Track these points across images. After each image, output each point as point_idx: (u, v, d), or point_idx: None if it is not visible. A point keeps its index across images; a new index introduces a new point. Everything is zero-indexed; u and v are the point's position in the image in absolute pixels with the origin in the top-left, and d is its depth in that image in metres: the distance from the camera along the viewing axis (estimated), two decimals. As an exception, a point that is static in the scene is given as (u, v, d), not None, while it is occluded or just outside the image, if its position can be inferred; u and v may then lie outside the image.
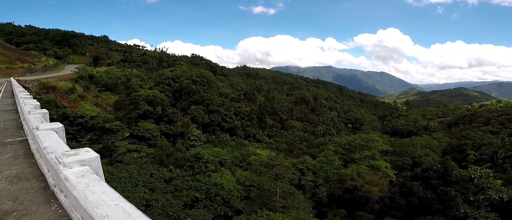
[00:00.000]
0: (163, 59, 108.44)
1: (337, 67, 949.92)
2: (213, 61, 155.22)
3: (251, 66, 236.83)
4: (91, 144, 29.03)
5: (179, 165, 31.40)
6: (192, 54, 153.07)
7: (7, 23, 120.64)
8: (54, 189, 3.25)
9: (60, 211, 3.11)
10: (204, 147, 45.20)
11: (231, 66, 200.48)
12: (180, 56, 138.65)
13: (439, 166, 30.05)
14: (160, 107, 50.57)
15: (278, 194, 26.98)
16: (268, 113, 69.71)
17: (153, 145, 42.00)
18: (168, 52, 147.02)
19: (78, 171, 2.34)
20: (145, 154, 35.79)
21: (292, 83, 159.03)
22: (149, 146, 41.38)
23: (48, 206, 3.25)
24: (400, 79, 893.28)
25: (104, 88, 51.38)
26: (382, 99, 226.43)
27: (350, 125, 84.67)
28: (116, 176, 24.14)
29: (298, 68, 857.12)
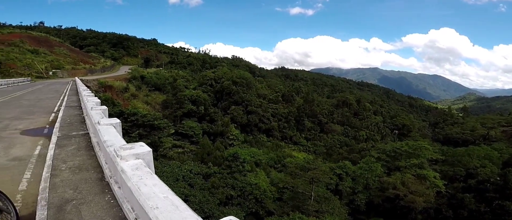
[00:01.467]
0: (206, 61, 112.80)
1: (384, 69, 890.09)
2: (252, 62, 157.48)
3: (290, 67, 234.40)
4: (140, 139, 31.66)
5: (218, 163, 32.44)
6: (233, 56, 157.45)
7: (72, 27, 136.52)
8: (110, 180, 3.67)
9: (112, 201, 3.58)
10: (242, 146, 46.03)
11: (269, 68, 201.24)
12: (221, 58, 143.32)
13: (498, 178, 26.96)
14: (203, 107, 52.43)
15: (312, 198, 26.51)
16: (306, 115, 68.40)
17: (195, 142, 43.70)
18: (210, 54, 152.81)
19: (133, 164, 2.47)
20: (188, 150, 37.77)
21: (334, 85, 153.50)
22: (191, 143, 43.31)
23: (103, 196, 3.70)
24: (456, 83, 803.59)
25: (153, 88, 55.68)
26: (434, 105, 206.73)
27: (396, 131, 78.98)
28: (159, 170, 25.92)
29: (340, 69, 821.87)
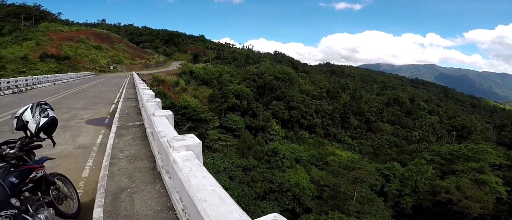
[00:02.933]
0: (249, 56, 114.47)
1: (442, 65, 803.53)
2: (295, 58, 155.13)
3: (335, 63, 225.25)
4: (188, 131, 33.35)
5: (258, 158, 32.74)
6: (275, 51, 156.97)
7: (129, 24, 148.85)
8: (161, 170, 3.75)
9: (162, 190, 3.66)
10: (282, 142, 45.83)
11: (313, 63, 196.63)
12: (264, 54, 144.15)
13: None
14: (246, 101, 53.26)
15: (354, 198, 25.48)
16: (353, 113, 65.20)
17: (237, 136, 44.73)
18: (253, 49, 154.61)
19: (184, 155, 2.48)
20: (230, 144, 38.84)
21: (384, 82, 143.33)
22: (234, 137, 44.47)
23: (154, 185, 3.84)
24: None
25: (201, 82, 58.58)
26: (501, 105, 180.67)
27: (454, 133, 70.75)
28: (203, 161, 26.97)
29: (392, 66, 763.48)
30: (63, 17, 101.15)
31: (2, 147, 2.40)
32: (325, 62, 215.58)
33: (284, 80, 63.34)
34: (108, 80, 32.52)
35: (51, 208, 2.56)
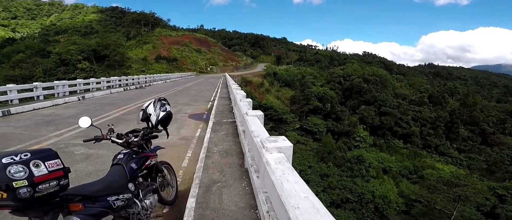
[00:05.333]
0: (334, 58, 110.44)
1: None
2: (388, 59, 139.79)
3: (440, 64, 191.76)
4: (270, 131, 34.33)
5: (338, 164, 31.17)
6: (364, 52, 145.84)
7: (222, 29, 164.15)
8: (250, 168, 3.83)
9: (247, 188, 3.75)
10: (369, 150, 42.22)
11: (411, 64, 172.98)
12: (350, 55, 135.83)
13: None
14: (329, 104, 51.45)
15: (453, 217, 21.53)
16: (463, 122, 54.21)
17: (318, 139, 43.47)
18: (338, 51, 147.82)
19: (276, 157, 2.43)
20: (309, 148, 38.09)
21: (508, 86, 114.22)
22: (314, 140, 43.37)
23: (240, 182, 3.97)
24: None
25: (284, 84, 59.70)
26: None
27: None
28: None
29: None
30: (171, 23, 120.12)
31: (129, 135, 2.66)
32: (426, 63, 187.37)
33: (375, 83, 57.77)
34: (206, 80, 36.53)
35: (156, 194, 2.78)
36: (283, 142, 2.76)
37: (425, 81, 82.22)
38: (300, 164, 28.23)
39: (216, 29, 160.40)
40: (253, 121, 4.15)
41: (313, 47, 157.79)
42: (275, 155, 2.54)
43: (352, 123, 48.25)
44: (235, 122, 8.26)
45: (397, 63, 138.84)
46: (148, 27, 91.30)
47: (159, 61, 63.74)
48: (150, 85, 27.48)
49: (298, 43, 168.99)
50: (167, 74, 43.03)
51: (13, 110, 10.40)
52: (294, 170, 2.26)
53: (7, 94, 12.14)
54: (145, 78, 30.13)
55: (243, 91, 9.14)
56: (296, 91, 54.90)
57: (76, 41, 61.19)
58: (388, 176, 33.23)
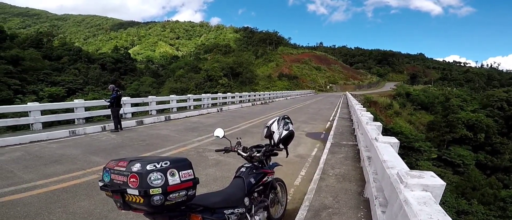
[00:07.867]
0: (493, 77, 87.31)
1: None
2: None
3: None
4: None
5: (485, 202, 25.96)
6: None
7: (342, 46, 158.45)
8: (373, 200, 3.25)
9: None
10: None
11: None
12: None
13: None
14: (483, 135, 41.84)
15: None
16: None
17: (460, 172, 36.19)
18: (499, 68, 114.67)
19: (420, 196, 2.03)
20: (447, 182, 30.82)
21: None
22: (454, 173, 35.78)
23: (356, 212, 3.56)
24: None
25: (419, 106, 51.50)
26: None
27: None
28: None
29: None
30: (291, 42, 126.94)
31: (253, 149, 2.75)
32: None
33: None
34: (325, 99, 36.11)
35: (266, 212, 2.77)
36: (432, 179, 2.32)
37: None
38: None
39: (336, 46, 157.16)
40: (385, 149, 3.56)
41: (462, 64, 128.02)
42: (417, 193, 2.14)
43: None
44: (356, 145, 7.50)
45: None
46: (272, 46, 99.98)
47: (281, 79, 68.22)
48: (273, 101, 29.60)
49: (441, 59, 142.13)
50: (287, 91, 45.28)
51: (172, 116, 13.80)
52: (446, 215, 1.80)
53: (169, 103, 15.92)
54: (269, 94, 32.75)
55: (369, 113, 8.17)
56: (437, 116, 47.04)
57: (218, 59, 74.23)
58: None
